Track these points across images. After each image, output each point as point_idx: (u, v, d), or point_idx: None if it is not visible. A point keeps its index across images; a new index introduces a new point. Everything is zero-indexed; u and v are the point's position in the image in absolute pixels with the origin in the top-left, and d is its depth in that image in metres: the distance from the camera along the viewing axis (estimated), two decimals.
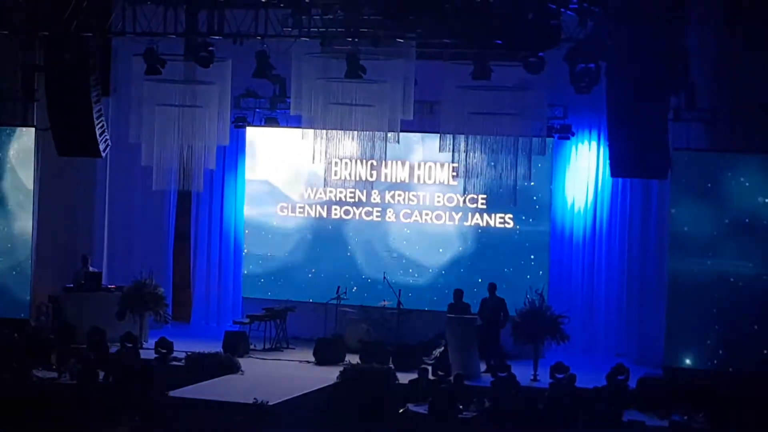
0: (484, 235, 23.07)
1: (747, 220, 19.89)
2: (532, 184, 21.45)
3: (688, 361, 19.91)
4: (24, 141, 23.41)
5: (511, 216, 22.89)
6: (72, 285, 22.97)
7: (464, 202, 23.10)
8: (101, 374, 19.34)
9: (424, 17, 19.38)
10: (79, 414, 18.93)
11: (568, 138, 22.00)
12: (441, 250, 23.33)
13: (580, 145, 22.14)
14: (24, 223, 23.46)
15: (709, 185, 20.06)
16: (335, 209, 23.92)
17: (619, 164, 18.75)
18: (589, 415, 17.53)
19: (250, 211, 24.38)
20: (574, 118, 21.78)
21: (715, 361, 19.85)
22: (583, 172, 22.19)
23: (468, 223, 23.21)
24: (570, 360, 19.22)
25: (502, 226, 23.02)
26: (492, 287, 21.12)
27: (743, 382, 18.93)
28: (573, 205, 22.60)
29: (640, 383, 18.89)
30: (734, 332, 19.83)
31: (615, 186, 21.60)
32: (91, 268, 23.13)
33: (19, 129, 23.51)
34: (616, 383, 18.48)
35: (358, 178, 23.44)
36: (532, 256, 22.74)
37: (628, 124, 18.15)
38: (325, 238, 23.96)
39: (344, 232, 23.87)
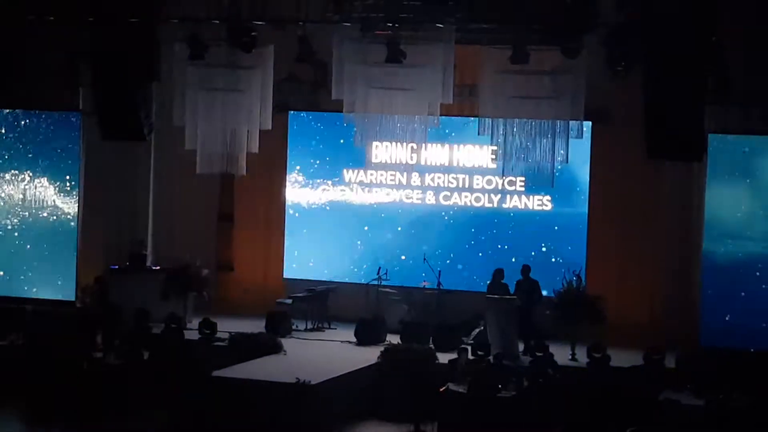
0: (522, 216, 23.13)
1: None
2: (566, 165, 21.42)
3: (723, 341, 19.91)
4: (70, 125, 23.82)
5: (549, 198, 23.00)
6: (117, 267, 23.18)
7: (503, 184, 23.22)
8: (146, 354, 19.61)
9: (463, 2, 19.50)
10: (124, 394, 19.22)
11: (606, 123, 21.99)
12: (480, 232, 23.41)
13: (617, 128, 22.02)
14: (69, 204, 23.93)
15: (743, 167, 20.13)
16: (376, 191, 24.02)
17: (655, 147, 18.70)
18: (626, 393, 17.63)
19: (292, 193, 24.52)
20: (611, 102, 21.71)
21: (753, 340, 19.86)
22: (621, 154, 22.10)
23: (506, 205, 23.31)
24: (608, 341, 19.31)
25: (540, 208, 23.12)
26: (526, 269, 21.18)
27: None
28: (611, 187, 22.57)
29: (677, 362, 18.96)
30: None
31: (651, 168, 21.47)
32: (133, 250, 23.41)
33: (65, 114, 23.90)
34: (652, 362, 18.56)
35: (398, 161, 23.63)
36: (570, 238, 22.78)
37: (663, 107, 18.11)
38: (366, 220, 24.10)
39: (385, 214, 23.98)
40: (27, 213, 24.11)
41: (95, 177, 24.02)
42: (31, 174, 24.12)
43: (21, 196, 24.13)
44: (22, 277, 23.99)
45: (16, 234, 24.12)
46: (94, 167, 23.97)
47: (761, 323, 20.11)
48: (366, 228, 24.09)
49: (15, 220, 24.11)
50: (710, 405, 17.11)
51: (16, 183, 24.14)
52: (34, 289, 23.74)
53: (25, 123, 24.17)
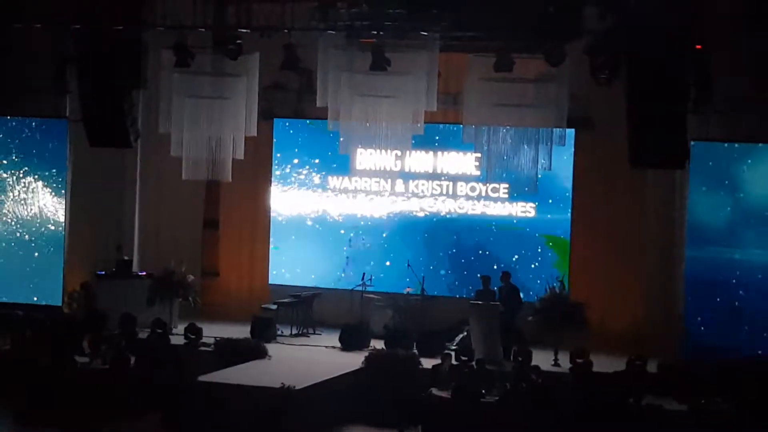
0: (505, 223, 23.15)
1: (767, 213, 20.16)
2: (549, 172, 21.46)
3: (705, 347, 19.97)
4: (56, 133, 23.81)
5: (533, 205, 23.04)
6: (103, 272, 23.12)
7: (487, 191, 23.25)
8: (132, 359, 19.58)
9: (447, 10, 19.54)
10: (111, 398, 19.19)
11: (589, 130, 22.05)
12: (463, 238, 23.43)
13: (600, 136, 22.05)
14: (56, 211, 23.82)
15: (726, 175, 20.21)
16: (361, 198, 24.03)
17: (638, 154, 18.77)
18: (608, 398, 17.66)
19: (277, 199, 24.51)
20: (594, 109, 21.77)
21: (734, 346, 19.92)
22: (604, 162, 22.14)
23: (490, 212, 23.33)
24: (590, 347, 19.36)
25: (524, 215, 23.15)
26: (506, 275, 21.18)
27: (762, 365, 18.98)
28: (594, 193, 22.61)
29: (659, 368, 18.99)
30: (752, 318, 19.95)
31: (634, 176, 21.50)
32: (119, 256, 23.27)
33: (52, 120, 23.83)
34: (635, 367, 18.60)
35: (383, 168, 23.63)
36: (552, 245, 22.83)
37: (647, 116, 18.16)
38: (351, 226, 24.12)
39: (369, 220, 23.99)
40: (14, 219, 24.04)
41: (82, 183, 23.97)
42: (18, 180, 24.07)
43: (9, 202, 24.07)
44: (9, 282, 23.89)
45: (3, 239, 24.03)
46: (80, 173, 23.92)
47: (742, 329, 20.15)
48: (351, 234, 24.09)
49: (2, 227, 24.05)
50: (692, 410, 17.18)
51: (4, 189, 24.09)
52: (21, 295, 23.64)
53: (12, 128, 24.10)
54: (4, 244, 24.01)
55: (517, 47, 19.79)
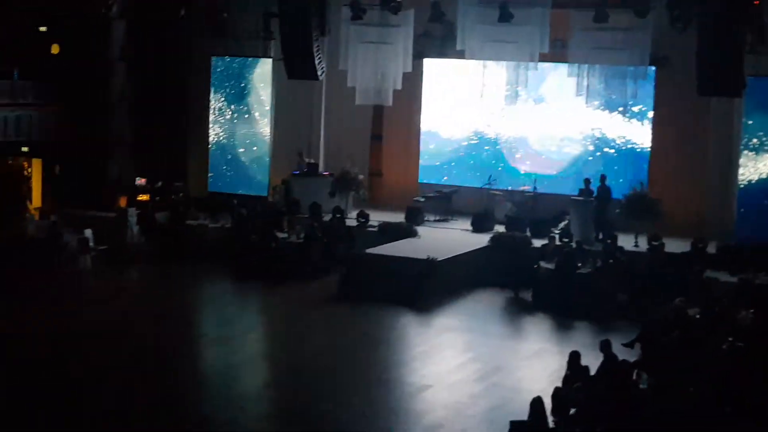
0: (601, 139, 22.78)
1: None
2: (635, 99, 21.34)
3: (753, 233, 19.56)
4: (264, 68, 24.02)
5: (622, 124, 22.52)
6: (297, 172, 23.54)
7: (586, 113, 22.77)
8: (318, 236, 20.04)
9: None
10: (303, 264, 19.70)
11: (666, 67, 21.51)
12: (567, 148, 23.11)
13: (675, 72, 21.44)
14: (264, 127, 24.23)
15: None
16: (490, 117, 23.74)
17: (704, 86, 18.41)
18: (676, 272, 17.52)
19: (426, 120, 24.43)
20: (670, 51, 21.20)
21: None
22: (677, 92, 21.56)
23: (589, 130, 22.91)
24: (663, 233, 19.13)
25: (614, 136, 22.67)
26: (602, 178, 20.88)
27: None
28: (669, 117, 22.07)
29: (717, 249, 18.77)
30: None
31: (701, 102, 20.90)
32: (307, 160, 23.55)
33: (259, 60, 24.11)
34: (698, 249, 18.40)
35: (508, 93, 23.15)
36: (638, 155, 22.39)
37: (712, 56, 17.79)
38: (482, 139, 23.90)
39: (496, 134, 23.73)
40: (235, 133, 24.51)
41: (282, 107, 24.34)
42: (232, 105, 24.51)
43: (228, 123, 24.54)
44: (229, 179, 24.47)
45: (226, 151, 24.57)
46: (282, 99, 24.28)
47: None
48: (481, 145, 23.84)
49: (227, 139, 24.58)
50: (741, 281, 16.97)
51: (223, 113, 24.56)
52: (239, 188, 24.19)
53: (228, 64, 24.52)
54: (229, 155, 24.54)
55: (612, 3, 19.55)
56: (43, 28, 24.97)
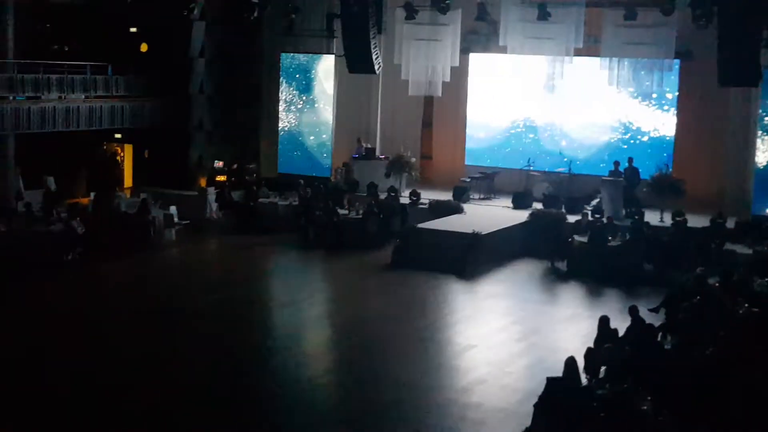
0: (629, 125, 22.57)
1: None
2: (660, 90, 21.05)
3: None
4: (327, 63, 24.12)
5: (649, 111, 22.31)
6: (357, 155, 23.64)
7: (616, 103, 22.59)
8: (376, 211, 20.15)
9: None
10: (361, 236, 19.84)
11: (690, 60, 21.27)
12: (599, 134, 22.94)
13: (697, 64, 21.15)
14: (327, 115, 24.36)
15: None
16: (530, 106, 23.60)
17: (724, 76, 18.20)
18: (698, 245, 17.41)
19: (471, 109, 24.29)
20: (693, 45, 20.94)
21: None
22: (699, 82, 21.28)
23: (619, 117, 22.72)
24: (686, 210, 18.97)
25: (641, 122, 22.46)
26: (630, 160, 20.83)
27: None
28: (692, 105, 21.79)
29: (735, 224, 18.62)
30: None
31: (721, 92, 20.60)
32: (365, 145, 23.64)
33: (323, 56, 24.20)
34: (717, 224, 18.25)
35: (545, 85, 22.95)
36: (663, 140, 22.19)
37: (731, 50, 17.59)
38: (522, 125, 23.79)
39: (534, 122, 23.62)
40: (302, 121, 24.59)
41: (343, 97, 24.41)
42: (301, 97, 24.65)
43: (295, 112, 24.72)
44: (296, 162, 24.59)
45: (293, 138, 24.69)
46: (343, 91, 24.32)
47: None
48: (521, 132, 23.71)
49: (295, 127, 24.69)
50: (756, 253, 16.82)
51: (294, 103, 24.72)
52: (303, 170, 24.25)
53: (296, 59, 24.65)
54: (297, 141, 24.69)
55: (640, 2, 19.50)
56: (133, 29, 25.47)
